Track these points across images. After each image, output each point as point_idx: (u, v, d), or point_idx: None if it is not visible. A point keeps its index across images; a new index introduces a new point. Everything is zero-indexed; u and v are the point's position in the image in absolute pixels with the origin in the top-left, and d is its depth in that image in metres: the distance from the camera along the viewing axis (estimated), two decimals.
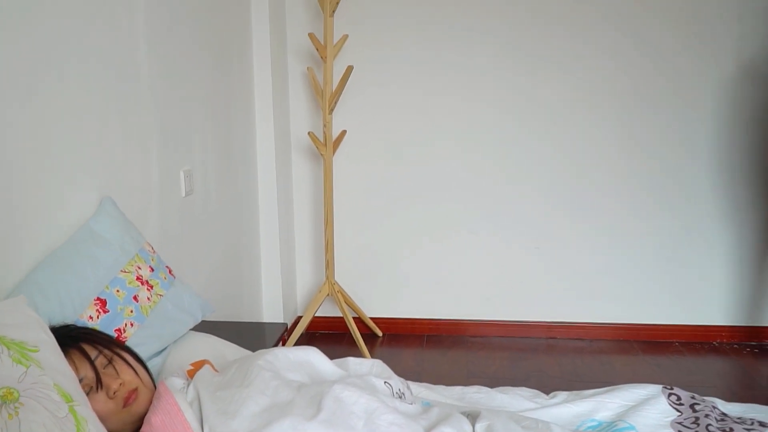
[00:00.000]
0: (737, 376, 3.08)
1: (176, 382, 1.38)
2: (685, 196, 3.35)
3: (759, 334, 3.40)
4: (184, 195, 2.36)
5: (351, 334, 3.31)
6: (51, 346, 1.24)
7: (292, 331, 3.33)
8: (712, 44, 3.22)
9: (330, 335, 3.57)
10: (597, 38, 3.26)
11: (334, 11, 3.15)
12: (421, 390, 1.72)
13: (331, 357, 1.59)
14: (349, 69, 3.18)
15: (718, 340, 3.43)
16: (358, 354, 3.21)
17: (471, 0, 3.29)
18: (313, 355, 1.52)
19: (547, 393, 1.76)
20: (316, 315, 3.44)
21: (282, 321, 3.32)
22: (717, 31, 3.20)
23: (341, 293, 3.38)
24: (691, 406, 1.62)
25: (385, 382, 1.46)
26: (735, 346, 3.39)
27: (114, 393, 1.32)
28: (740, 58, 3.22)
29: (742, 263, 3.38)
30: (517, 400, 1.70)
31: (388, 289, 3.58)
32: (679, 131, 3.30)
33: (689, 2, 3.19)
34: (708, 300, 3.43)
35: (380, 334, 3.56)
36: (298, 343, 3.31)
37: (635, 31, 3.23)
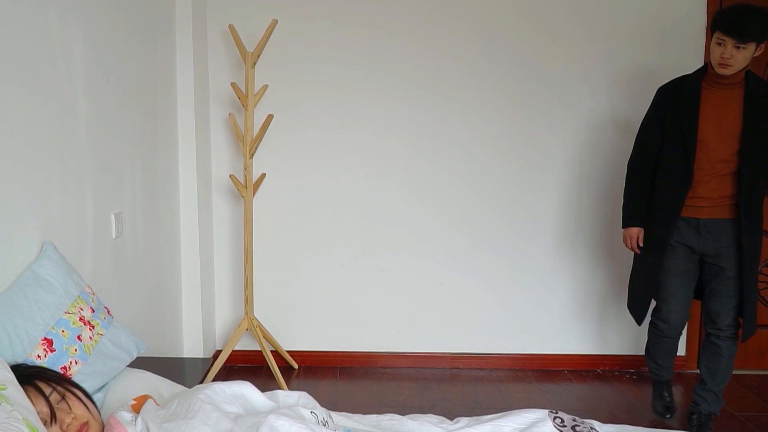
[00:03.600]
0: (618, 401, 3.43)
1: (125, 416, 1.54)
2: (555, 243, 3.75)
3: (638, 362, 3.79)
4: (114, 237, 2.49)
5: (269, 367, 3.47)
6: (14, 384, 1.39)
7: (212, 364, 3.45)
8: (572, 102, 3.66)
9: (248, 368, 3.70)
10: (487, 102, 3.63)
11: (255, 63, 3.36)
12: (341, 418, 1.92)
13: None
14: (269, 117, 3.39)
15: (602, 368, 3.81)
16: (276, 386, 3.37)
17: (380, 51, 3.58)
18: (247, 389, 1.71)
19: (451, 419, 1.99)
20: (234, 349, 3.58)
21: (202, 355, 3.44)
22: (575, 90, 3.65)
23: (260, 328, 3.53)
24: (573, 428, 1.89)
25: (311, 412, 1.66)
26: (617, 373, 3.77)
27: (67, 426, 1.47)
28: (592, 117, 3.66)
29: (617, 299, 3.76)
30: (426, 426, 1.92)
31: (305, 323, 3.76)
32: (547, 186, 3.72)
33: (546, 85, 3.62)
34: (592, 330, 3.80)
35: (296, 366, 3.72)
36: (217, 376, 3.44)
37: (515, 93, 3.63)
